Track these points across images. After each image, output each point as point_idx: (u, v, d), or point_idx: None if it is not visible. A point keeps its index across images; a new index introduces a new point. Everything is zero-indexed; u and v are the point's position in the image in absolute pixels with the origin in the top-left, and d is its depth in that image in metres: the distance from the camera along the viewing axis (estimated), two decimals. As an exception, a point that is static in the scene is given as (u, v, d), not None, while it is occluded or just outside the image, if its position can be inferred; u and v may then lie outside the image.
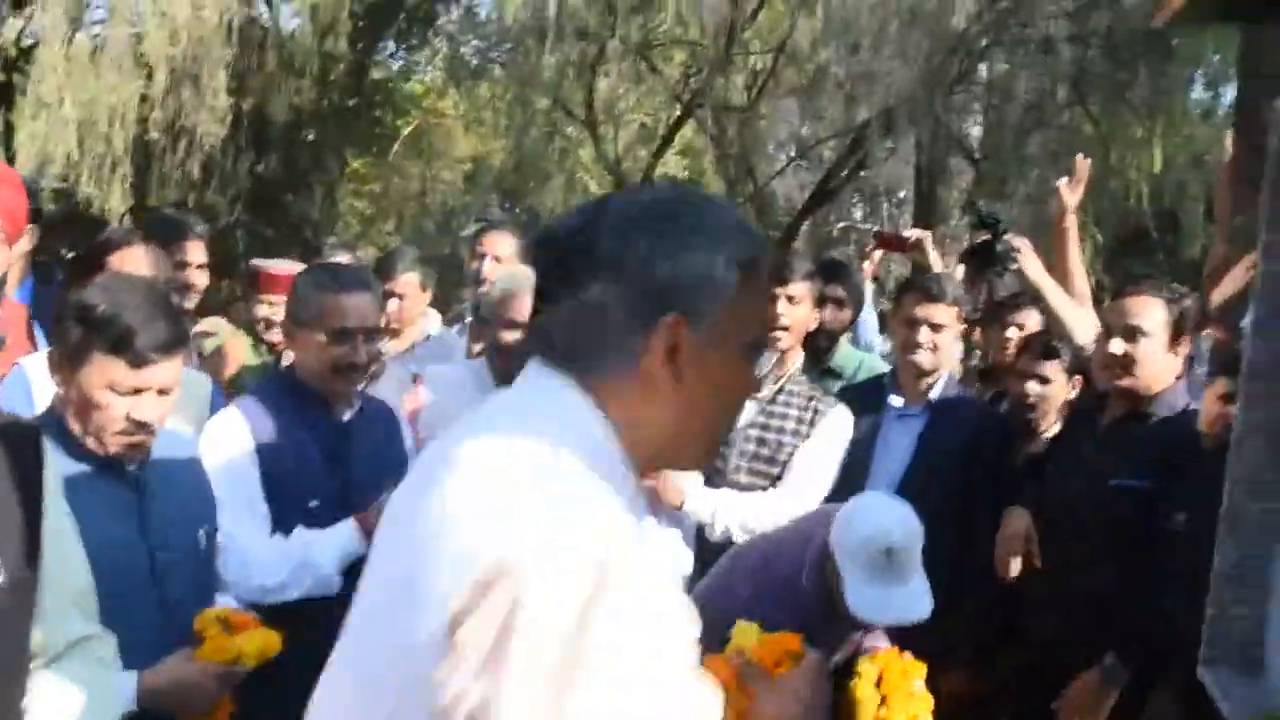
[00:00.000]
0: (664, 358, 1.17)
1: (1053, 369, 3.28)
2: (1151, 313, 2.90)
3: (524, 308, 2.87)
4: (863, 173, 10.36)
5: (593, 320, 1.18)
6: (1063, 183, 3.36)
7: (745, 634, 1.75)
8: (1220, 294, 3.22)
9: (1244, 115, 2.38)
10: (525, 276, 3.16)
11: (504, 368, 2.91)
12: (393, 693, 1.08)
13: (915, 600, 2.20)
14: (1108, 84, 9.62)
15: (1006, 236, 3.29)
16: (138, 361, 1.86)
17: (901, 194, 15.56)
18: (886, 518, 2.23)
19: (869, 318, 4.65)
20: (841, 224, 16.34)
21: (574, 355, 1.19)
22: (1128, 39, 9.00)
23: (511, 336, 2.91)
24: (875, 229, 8.15)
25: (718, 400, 1.23)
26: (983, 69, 10.09)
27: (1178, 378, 2.94)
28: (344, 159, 16.67)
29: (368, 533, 2.35)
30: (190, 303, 3.46)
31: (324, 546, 2.38)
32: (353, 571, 2.28)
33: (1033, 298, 3.42)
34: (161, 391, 1.91)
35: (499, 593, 1.01)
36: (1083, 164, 3.38)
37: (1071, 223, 3.36)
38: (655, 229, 1.18)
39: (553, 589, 1.01)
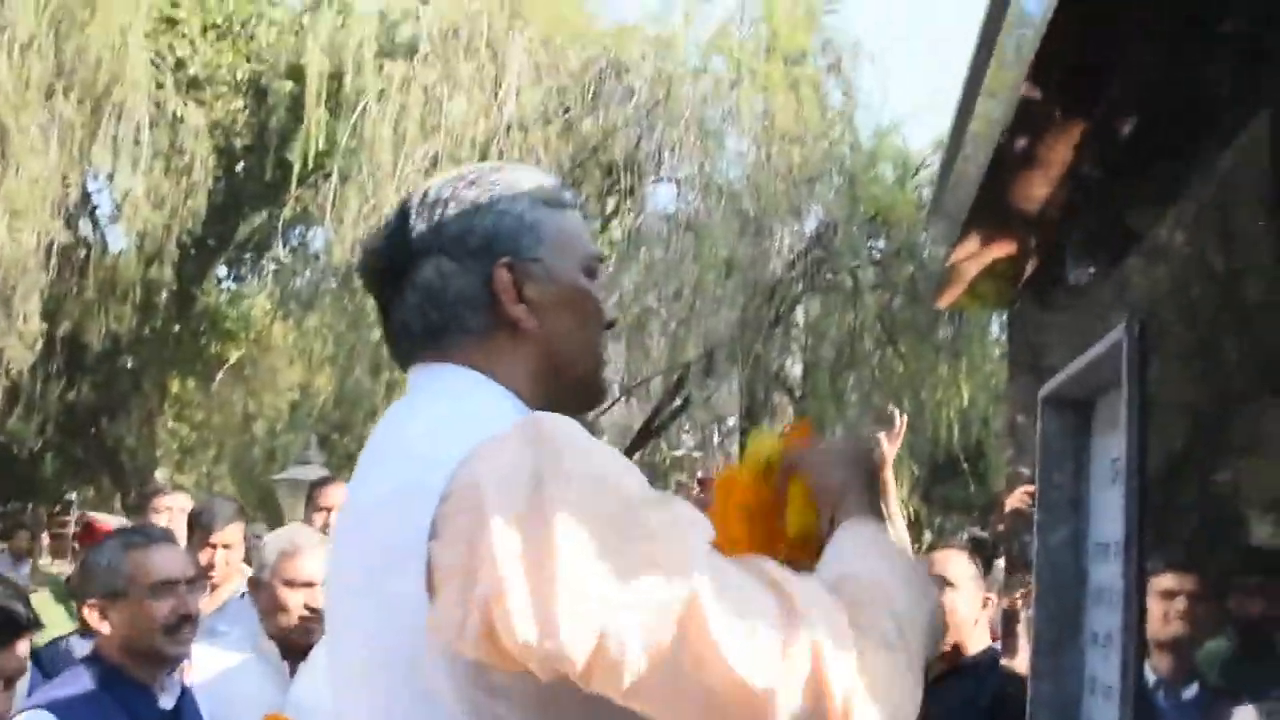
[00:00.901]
0: (514, 297, 1.25)
1: None
2: (957, 565, 3.08)
3: (307, 567, 2.74)
4: (689, 409, 10.58)
5: (436, 295, 1.25)
6: (880, 436, 3.52)
7: (761, 440, 1.47)
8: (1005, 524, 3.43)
9: (1012, 393, 2.51)
10: (308, 535, 3.04)
11: (281, 639, 2.75)
12: (404, 662, 1.08)
13: None
14: (914, 327, 10.22)
15: None
16: None
17: (730, 422, 15.92)
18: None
19: None
20: (675, 452, 16.61)
21: (436, 334, 1.25)
22: (929, 286, 9.67)
23: (293, 598, 2.75)
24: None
25: (579, 323, 1.30)
26: (799, 312, 10.60)
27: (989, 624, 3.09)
28: (164, 385, 16.24)
29: None
30: None
31: None
32: None
33: None
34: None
35: (456, 514, 1.01)
36: (899, 419, 3.55)
37: (890, 474, 3.51)
38: (457, 198, 1.27)
39: (500, 484, 1.01)
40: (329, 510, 3.88)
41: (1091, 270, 1.73)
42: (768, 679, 0.95)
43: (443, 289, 1.25)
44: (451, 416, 1.18)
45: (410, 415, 1.23)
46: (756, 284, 9.12)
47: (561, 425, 1.08)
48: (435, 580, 1.01)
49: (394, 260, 1.28)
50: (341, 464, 15.95)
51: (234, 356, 15.59)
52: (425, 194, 1.29)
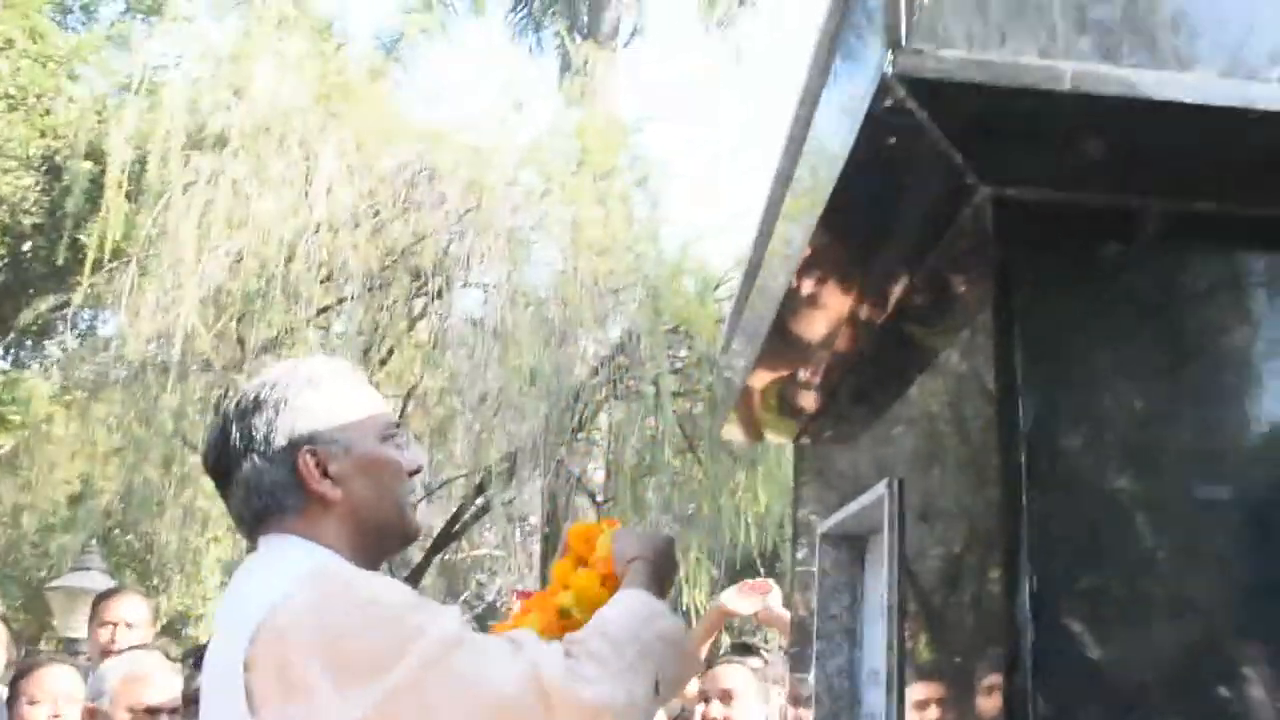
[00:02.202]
0: (318, 477, 1.56)
1: None
2: (736, 677, 3.43)
3: (158, 692, 2.71)
4: (490, 512, 10.55)
5: (256, 487, 1.57)
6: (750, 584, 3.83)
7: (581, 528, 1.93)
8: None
9: (795, 520, 2.66)
10: (153, 660, 2.94)
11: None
12: None
13: None
14: (713, 435, 10.53)
15: None
16: None
17: (533, 521, 15.90)
18: None
19: None
20: (476, 552, 16.44)
21: (262, 517, 1.58)
22: (725, 397, 10.01)
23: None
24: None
25: (380, 484, 1.62)
26: (602, 417, 10.77)
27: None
28: (-80, 473, 15.09)
29: None
30: None
31: None
32: None
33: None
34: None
35: (263, 647, 1.35)
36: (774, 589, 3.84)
37: (722, 621, 3.87)
38: (261, 403, 1.59)
39: (295, 618, 1.36)
40: (115, 625, 3.72)
41: (865, 419, 1.93)
42: (503, 685, 1.34)
43: (259, 482, 1.57)
44: (270, 571, 1.50)
45: (244, 572, 1.57)
46: (560, 390, 9.27)
47: (338, 570, 1.47)
48: (254, 702, 1.34)
49: (219, 464, 1.60)
50: (123, 563, 15.12)
51: (8, 445, 14.64)
52: (238, 403, 1.62)
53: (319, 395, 1.60)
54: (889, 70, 1.08)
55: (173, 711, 2.78)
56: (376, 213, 9.12)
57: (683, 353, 10.41)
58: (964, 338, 1.41)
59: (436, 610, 1.42)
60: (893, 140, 1.17)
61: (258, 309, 8.77)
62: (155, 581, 16.44)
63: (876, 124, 1.15)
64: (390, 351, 10.24)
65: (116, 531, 13.68)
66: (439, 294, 9.37)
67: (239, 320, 9.03)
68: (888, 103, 1.11)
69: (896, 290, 1.55)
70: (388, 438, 1.65)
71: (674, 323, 10.05)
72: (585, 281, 9.38)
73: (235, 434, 1.58)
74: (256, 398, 1.60)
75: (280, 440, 1.56)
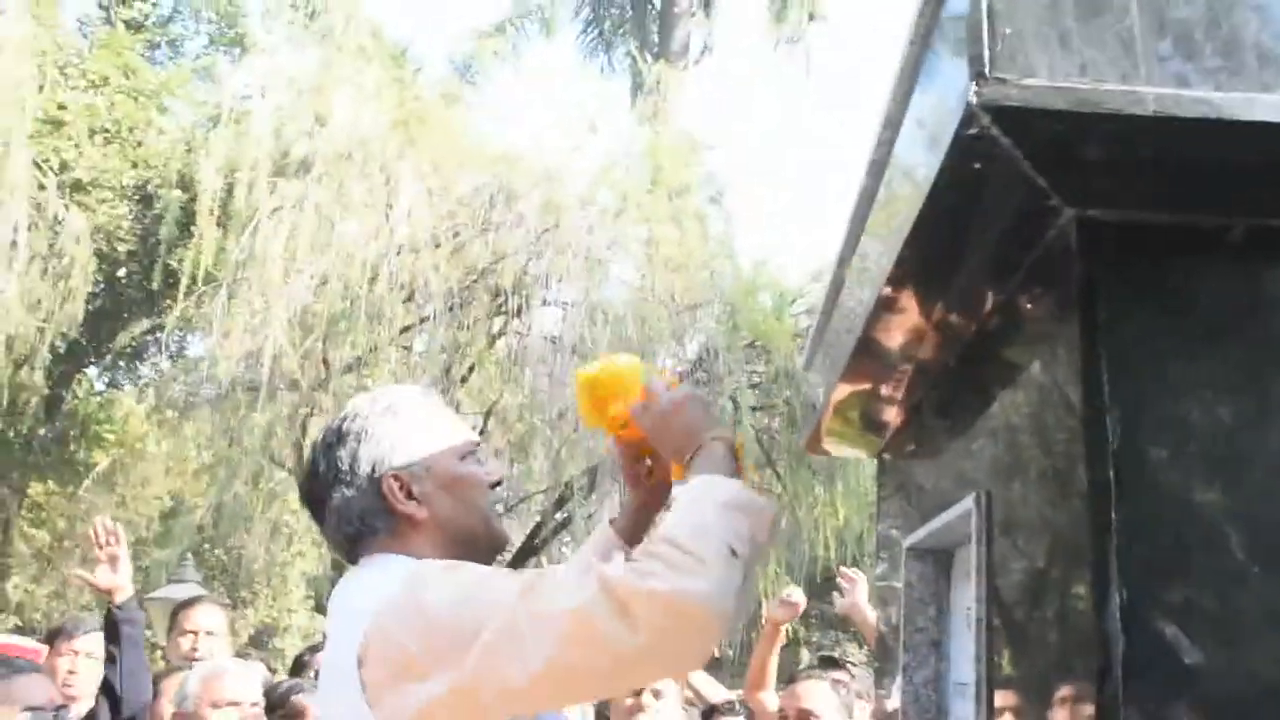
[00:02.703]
0: (403, 499, 1.68)
1: None
2: (821, 696, 3.32)
3: (237, 687, 2.87)
4: (570, 526, 10.64)
5: (347, 515, 1.69)
6: (781, 599, 3.81)
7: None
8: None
9: (879, 535, 2.67)
10: (231, 662, 3.10)
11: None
12: None
13: None
14: (791, 449, 10.52)
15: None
16: None
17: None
18: None
19: None
20: (555, 566, 16.57)
21: (355, 542, 1.70)
22: (806, 411, 10.02)
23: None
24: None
25: (463, 500, 1.73)
26: (679, 432, 10.77)
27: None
28: (24, 491, 15.62)
29: None
30: None
31: None
32: None
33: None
34: None
35: (373, 642, 1.48)
36: (801, 599, 3.82)
37: (779, 632, 3.81)
38: (344, 434, 1.72)
39: (395, 610, 1.50)
40: (195, 634, 3.83)
41: (949, 433, 1.95)
42: (573, 601, 1.40)
43: (349, 510, 1.70)
44: (373, 580, 1.62)
45: (347, 583, 1.70)
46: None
47: (428, 566, 1.59)
48: (370, 695, 1.46)
49: (312, 495, 1.74)
50: (213, 577, 15.49)
51: (104, 463, 15.11)
52: (324, 437, 1.75)
53: (397, 422, 1.71)
54: (974, 100, 1.12)
55: (254, 704, 2.92)
56: (456, 234, 9.29)
57: (760, 368, 10.42)
58: (1049, 353, 1.44)
59: (519, 573, 1.55)
60: (977, 165, 1.21)
61: (342, 330, 8.97)
62: (243, 594, 16.82)
63: (961, 150, 1.19)
64: (471, 369, 10.39)
65: (207, 546, 14.04)
66: (518, 312, 9.51)
67: (324, 340, 9.24)
68: (972, 130, 1.15)
69: (980, 307, 1.58)
70: (467, 455, 1.77)
71: (750, 338, 10.07)
72: (662, 298, 9.45)
73: (323, 466, 1.71)
74: (340, 430, 1.72)
75: (364, 469, 1.68)
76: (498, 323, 10.08)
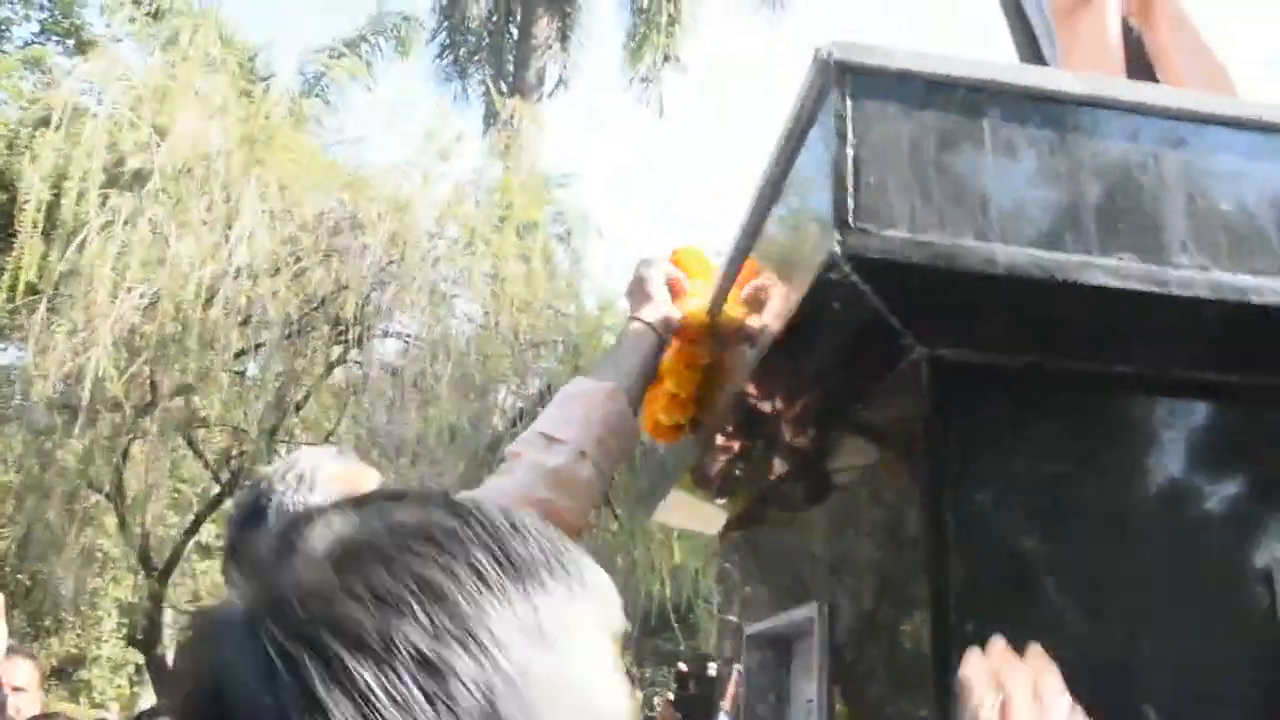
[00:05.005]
0: None
1: None
2: None
3: None
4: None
5: None
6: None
7: None
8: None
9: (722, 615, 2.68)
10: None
11: None
12: None
13: None
14: (631, 490, 10.58)
15: None
16: None
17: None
18: None
19: None
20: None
21: None
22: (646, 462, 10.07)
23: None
24: None
25: None
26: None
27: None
28: None
29: None
30: None
31: None
32: None
33: None
34: None
35: None
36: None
37: None
38: (259, 523, 1.61)
39: None
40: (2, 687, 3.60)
41: (793, 531, 1.99)
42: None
43: None
44: None
45: None
46: (479, 442, 9.24)
47: None
48: None
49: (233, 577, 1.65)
50: (12, 605, 14.57)
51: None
52: (240, 518, 1.66)
53: (314, 493, 1.64)
54: (837, 249, 1.15)
55: None
56: (298, 259, 9.04)
57: (601, 407, 10.43)
58: (894, 473, 1.49)
59: None
60: (836, 305, 1.25)
61: (171, 353, 8.61)
62: (47, 623, 15.92)
63: (820, 288, 1.23)
64: (307, 396, 10.12)
65: (7, 569, 13.25)
66: (358, 342, 9.30)
67: (151, 364, 8.85)
68: (833, 276, 1.18)
69: (824, 423, 1.63)
70: None
71: (593, 378, 10.07)
72: (505, 335, 9.40)
73: (239, 547, 1.66)
74: (257, 508, 1.65)
75: None
76: (336, 351, 9.85)
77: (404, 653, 0.56)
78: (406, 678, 0.55)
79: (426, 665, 0.56)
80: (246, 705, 0.56)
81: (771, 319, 1.40)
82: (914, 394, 1.36)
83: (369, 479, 1.72)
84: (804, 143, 1.33)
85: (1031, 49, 2.45)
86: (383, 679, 0.55)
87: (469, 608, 0.59)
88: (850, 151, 1.18)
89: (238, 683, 0.57)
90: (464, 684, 0.56)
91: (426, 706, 0.55)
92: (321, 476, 1.67)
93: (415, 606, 0.57)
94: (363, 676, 0.55)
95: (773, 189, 1.41)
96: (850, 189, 1.17)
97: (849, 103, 1.20)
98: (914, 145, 1.20)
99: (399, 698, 0.55)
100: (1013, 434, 1.38)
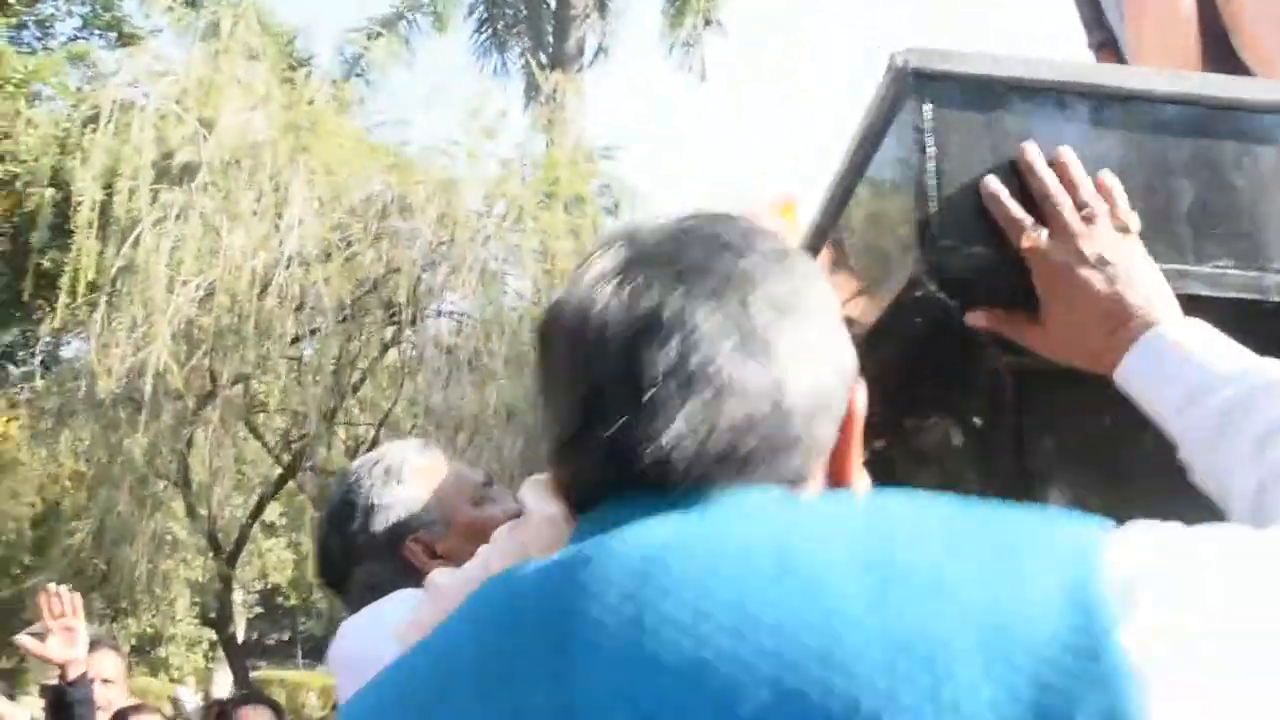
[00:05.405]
0: (427, 559, 1.59)
1: None
2: None
3: None
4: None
5: (376, 587, 1.59)
6: None
7: None
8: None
9: None
10: None
11: None
12: None
13: None
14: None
15: None
16: None
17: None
18: None
19: None
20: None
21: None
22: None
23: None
24: None
25: (482, 541, 1.79)
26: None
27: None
28: None
29: None
30: None
31: None
32: None
33: None
34: None
35: None
36: None
37: None
38: (349, 520, 1.64)
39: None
40: (92, 681, 3.69)
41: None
42: None
43: (377, 582, 1.60)
44: None
45: None
46: (537, 420, 9.27)
47: None
48: None
49: (332, 574, 1.67)
50: (91, 588, 14.93)
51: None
52: (330, 514, 1.66)
53: (403, 486, 1.65)
54: (919, 265, 1.12)
55: None
56: (348, 244, 9.10)
57: (656, 381, 10.42)
58: (974, 482, 1.45)
59: None
60: (918, 319, 1.21)
61: (230, 343, 8.71)
62: (124, 604, 16.31)
63: (902, 306, 1.20)
64: (363, 378, 10.21)
65: (83, 555, 13.54)
66: (412, 322, 9.36)
67: (210, 355, 8.97)
68: (918, 294, 1.15)
69: (903, 431, 1.59)
70: (480, 500, 1.71)
71: (647, 350, 10.06)
72: (557, 310, 9.38)
73: (338, 544, 1.66)
74: (347, 504, 1.65)
75: (382, 539, 1.63)
76: (390, 332, 9.91)
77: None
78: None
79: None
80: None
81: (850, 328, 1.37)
82: (996, 402, 1.33)
83: (453, 471, 1.74)
84: (877, 153, 1.29)
85: (1095, 16, 2.38)
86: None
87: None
88: (931, 165, 1.15)
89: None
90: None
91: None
92: (409, 469, 1.68)
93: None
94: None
95: (843, 198, 1.38)
96: (932, 204, 1.13)
97: (927, 112, 1.16)
98: (996, 154, 1.16)
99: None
100: (1096, 443, 1.34)
